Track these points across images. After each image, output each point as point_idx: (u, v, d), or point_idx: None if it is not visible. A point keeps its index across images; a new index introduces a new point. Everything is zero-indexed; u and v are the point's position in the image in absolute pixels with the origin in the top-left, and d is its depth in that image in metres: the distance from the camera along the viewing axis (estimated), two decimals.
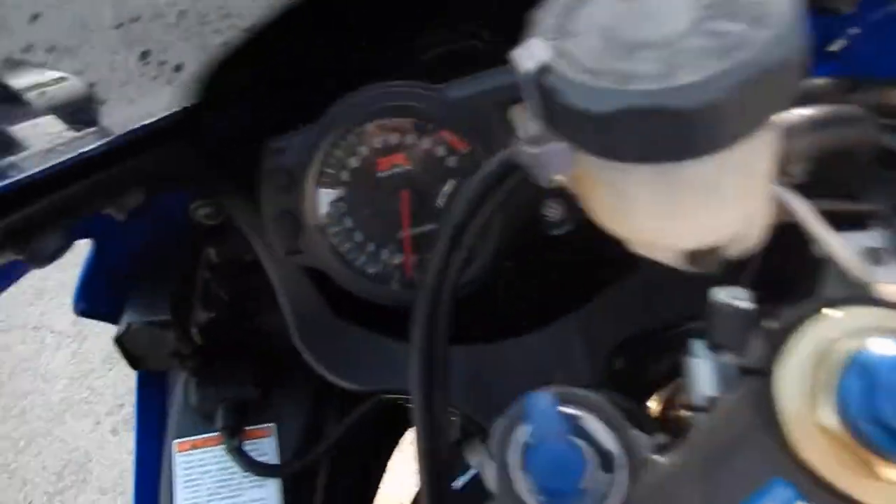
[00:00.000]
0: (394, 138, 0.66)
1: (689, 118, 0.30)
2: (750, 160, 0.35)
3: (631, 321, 0.66)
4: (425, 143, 0.66)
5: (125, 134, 0.58)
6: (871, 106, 0.49)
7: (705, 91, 0.30)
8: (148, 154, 0.60)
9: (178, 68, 0.57)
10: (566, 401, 0.43)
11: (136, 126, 0.58)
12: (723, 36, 0.31)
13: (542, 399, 0.39)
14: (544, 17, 0.37)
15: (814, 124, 0.42)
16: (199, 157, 0.66)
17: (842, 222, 0.46)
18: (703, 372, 0.43)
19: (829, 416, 0.35)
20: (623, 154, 0.33)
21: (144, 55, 0.52)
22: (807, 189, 0.46)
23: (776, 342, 0.38)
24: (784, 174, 0.43)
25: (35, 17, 0.44)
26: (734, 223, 0.39)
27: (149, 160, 0.60)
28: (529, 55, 0.34)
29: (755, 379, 0.38)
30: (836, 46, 0.82)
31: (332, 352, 0.74)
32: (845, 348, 0.36)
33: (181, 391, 0.86)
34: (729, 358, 0.42)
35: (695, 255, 0.40)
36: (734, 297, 0.44)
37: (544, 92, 0.34)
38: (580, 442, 0.40)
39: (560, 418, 0.38)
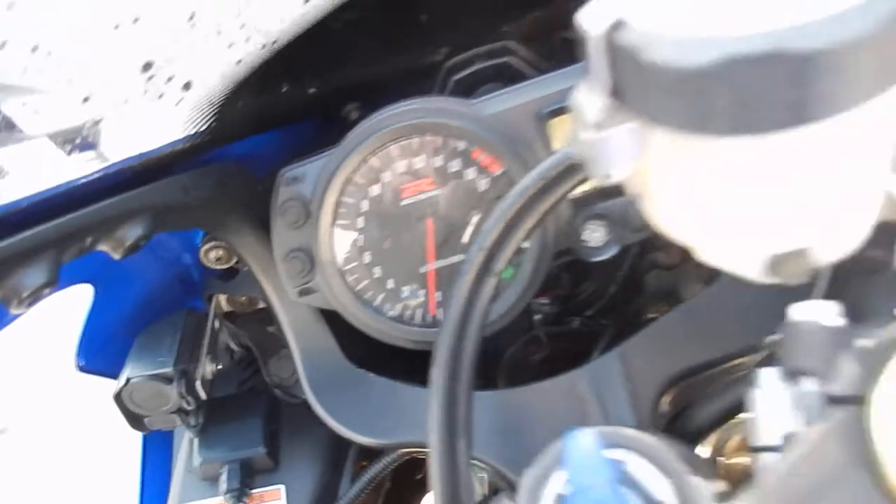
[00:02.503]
0: (420, 161, 0.61)
1: (817, 66, 0.23)
2: (871, 131, 0.28)
3: (677, 358, 0.58)
4: (455, 164, 0.61)
5: (123, 162, 0.53)
6: None
7: (845, 28, 0.23)
8: (149, 185, 0.55)
9: (187, 86, 0.53)
10: (612, 443, 0.36)
11: (137, 154, 0.54)
12: None
13: (583, 439, 0.32)
14: None
15: None
16: (206, 190, 0.61)
17: None
18: (777, 405, 0.36)
19: None
20: (721, 123, 0.26)
21: (147, 67, 0.48)
22: None
23: (873, 364, 0.32)
24: None
25: (11, 3, 0.39)
26: (835, 217, 0.32)
27: (150, 192, 0.55)
28: (597, 14, 0.28)
29: (846, 408, 0.32)
30: None
31: (346, 403, 0.67)
32: None
33: (185, 452, 0.79)
34: (812, 385, 0.35)
35: (778, 262, 0.33)
36: (819, 314, 0.37)
37: (619, 54, 0.28)
38: (626, 490, 0.33)
39: (603, 462, 0.31)
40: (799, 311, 0.38)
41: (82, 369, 0.79)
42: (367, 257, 0.63)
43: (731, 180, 0.30)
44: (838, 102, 0.24)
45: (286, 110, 0.68)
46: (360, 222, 0.63)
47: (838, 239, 0.34)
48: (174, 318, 0.77)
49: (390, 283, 0.64)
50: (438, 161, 0.61)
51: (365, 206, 0.62)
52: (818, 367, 0.35)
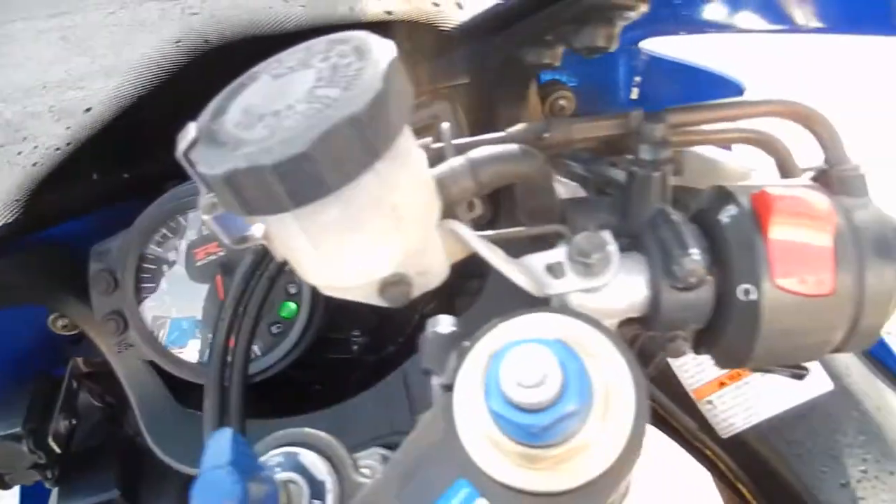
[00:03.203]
0: (206, 229, 0.73)
1: (280, 172, 0.36)
2: (369, 201, 0.40)
3: None
4: None
5: None
6: (563, 141, 0.57)
7: (287, 148, 0.36)
8: None
9: None
10: (295, 442, 0.48)
11: None
12: (322, 100, 0.38)
13: (217, 434, 0.43)
14: (212, 103, 0.44)
15: (476, 163, 0.48)
16: (22, 271, 0.71)
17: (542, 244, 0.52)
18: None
19: (480, 417, 0.40)
20: (254, 209, 0.38)
21: None
22: (504, 221, 0.53)
23: (461, 358, 0.44)
24: (469, 209, 0.50)
25: None
26: (398, 256, 0.44)
27: None
28: (185, 135, 0.41)
29: (447, 395, 0.43)
30: (634, 94, 0.93)
31: (179, 440, 0.77)
32: (494, 354, 0.41)
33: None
34: (435, 380, 0.47)
35: (383, 288, 0.46)
36: (439, 325, 0.49)
37: (190, 164, 0.40)
38: (294, 475, 0.45)
39: (225, 452, 0.42)
40: (430, 324, 0.50)
41: None
42: (173, 312, 0.74)
43: (301, 242, 0.42)
44: (314, 191, 0.37)
45: (102, 195, 0.78)
46: (164, 284, 0.74)
47: (423, 273, 0.46)
48: (27, 384, 0.86)
49: (197, 333, 0.74)
50: None
51: (165, 269, 0.73)
52: (437, 365, 0.47)
